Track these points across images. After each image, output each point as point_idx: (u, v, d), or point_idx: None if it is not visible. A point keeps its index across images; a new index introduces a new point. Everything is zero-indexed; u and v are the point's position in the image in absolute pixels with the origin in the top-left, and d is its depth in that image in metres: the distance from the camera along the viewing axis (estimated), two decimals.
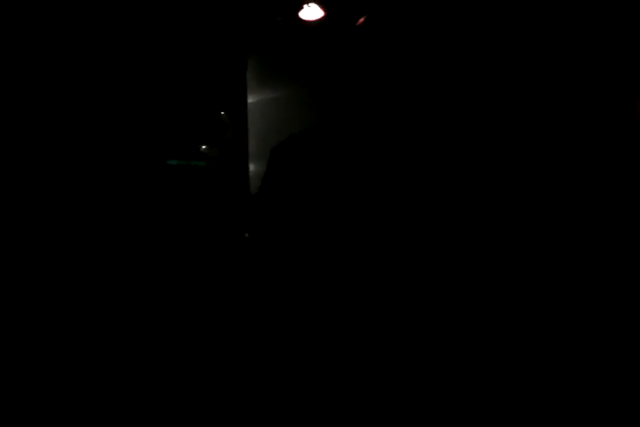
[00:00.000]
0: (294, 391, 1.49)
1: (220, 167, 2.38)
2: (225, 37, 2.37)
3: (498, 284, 1.56)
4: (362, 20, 1.52)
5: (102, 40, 2.09)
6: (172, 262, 1.99)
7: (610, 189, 1.64)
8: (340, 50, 1.56)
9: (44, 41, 1.96)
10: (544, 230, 1.61)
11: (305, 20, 2.87)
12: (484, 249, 1.57)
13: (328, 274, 1.46)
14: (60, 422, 1.54)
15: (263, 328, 1.57)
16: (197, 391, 1.61)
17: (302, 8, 2.85)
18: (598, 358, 1.48)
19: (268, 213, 1.50)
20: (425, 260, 1.49)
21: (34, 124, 1.97)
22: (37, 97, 1.98)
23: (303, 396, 1.48)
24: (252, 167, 2.55)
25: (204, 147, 2.46)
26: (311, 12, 2.86)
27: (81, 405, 1.58)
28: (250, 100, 2.47)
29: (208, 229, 2.07)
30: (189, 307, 1.87)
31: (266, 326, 1.56)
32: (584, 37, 1.78)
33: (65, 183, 1.97)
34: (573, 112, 1.75)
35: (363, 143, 1.48)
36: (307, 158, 1.50)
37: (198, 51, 2.35)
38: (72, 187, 1.98)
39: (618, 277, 1.55)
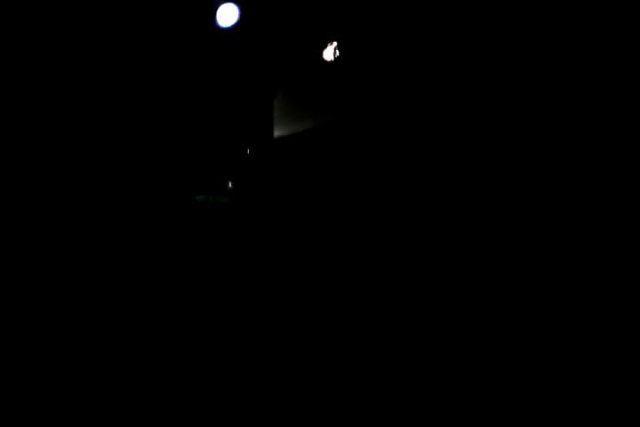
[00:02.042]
0: (294, 391, 1.50)
1: (244, 203, 2.41)
2: (252, 75, 2.45)
3: (497, 284, 1.56)
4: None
5: (135, 74, 2.18)
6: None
7: (610, 188, 1.62)
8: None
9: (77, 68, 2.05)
10: (544, 230, 1.61)
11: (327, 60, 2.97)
12: (483, 248, 1.59)
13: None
14: (60, 421, 1.53)
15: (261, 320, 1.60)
16: (197, 391, 1.59)
17: (326, 47, 2.96)
18: (598, 358, 1.44)
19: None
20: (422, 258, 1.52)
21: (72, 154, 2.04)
22: (77, 131, 2.05)
23: (303, 395, 1.48)
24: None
25: (229, 183, 2.50)
26: (331, 52, 2.98)
27: (81, 404, 1.57)
28: (276, 134, 2.52)
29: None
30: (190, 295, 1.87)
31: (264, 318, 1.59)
32: (584, 35, 1.79)
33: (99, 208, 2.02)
34: (573, 111, 1.74)
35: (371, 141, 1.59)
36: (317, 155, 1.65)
37: (226, 87, 2.43)
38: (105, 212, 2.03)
39: (618, 277, 1.51)
